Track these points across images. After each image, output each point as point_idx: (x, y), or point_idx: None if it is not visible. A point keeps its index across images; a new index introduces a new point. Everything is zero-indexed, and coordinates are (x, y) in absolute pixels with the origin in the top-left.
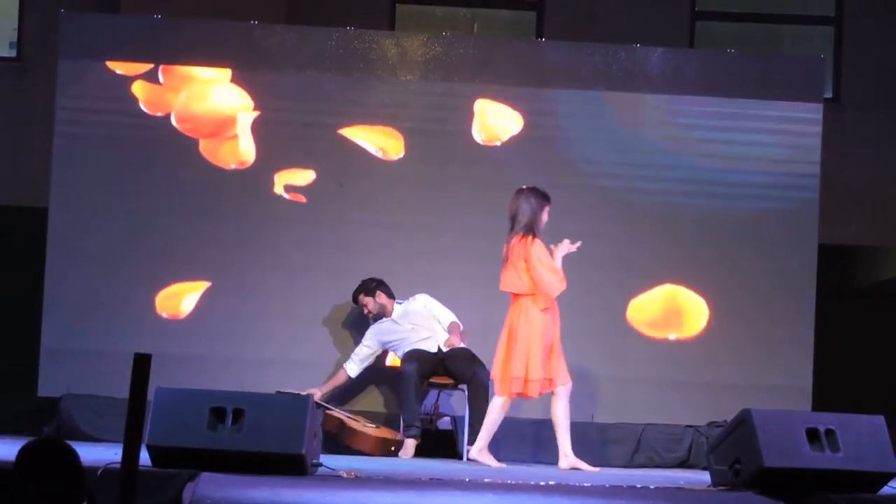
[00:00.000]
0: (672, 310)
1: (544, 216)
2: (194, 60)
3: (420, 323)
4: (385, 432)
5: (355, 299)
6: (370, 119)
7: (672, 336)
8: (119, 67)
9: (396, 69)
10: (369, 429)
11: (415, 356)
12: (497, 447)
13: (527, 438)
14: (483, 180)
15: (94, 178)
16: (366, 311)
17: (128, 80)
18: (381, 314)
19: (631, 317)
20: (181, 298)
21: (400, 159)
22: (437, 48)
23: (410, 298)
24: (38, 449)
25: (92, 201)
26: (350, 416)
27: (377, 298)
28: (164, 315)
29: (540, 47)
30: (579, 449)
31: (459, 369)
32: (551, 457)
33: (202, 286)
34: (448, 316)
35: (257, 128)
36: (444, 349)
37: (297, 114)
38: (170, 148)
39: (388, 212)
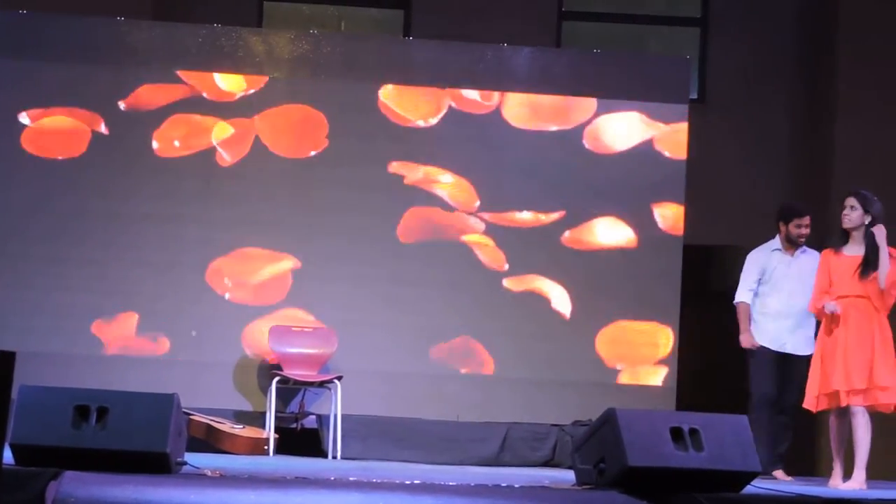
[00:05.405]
0: None
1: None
2: (60, 56)
3: (797, 289)
4: (253, 431)
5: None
6: (231, 113)
7: None
8: None
9: (264, 66)
10: (237, 430)
11: (764, 391)
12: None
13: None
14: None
15: None
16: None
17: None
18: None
19: None
20: None
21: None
22: (305, 45)
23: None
24: None
25: None
26: (214, 419)
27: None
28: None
29: (408, 45)
30: (444, 446)
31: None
32: (414, 455)
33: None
34: None
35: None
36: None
37: (164, 110)
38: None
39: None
